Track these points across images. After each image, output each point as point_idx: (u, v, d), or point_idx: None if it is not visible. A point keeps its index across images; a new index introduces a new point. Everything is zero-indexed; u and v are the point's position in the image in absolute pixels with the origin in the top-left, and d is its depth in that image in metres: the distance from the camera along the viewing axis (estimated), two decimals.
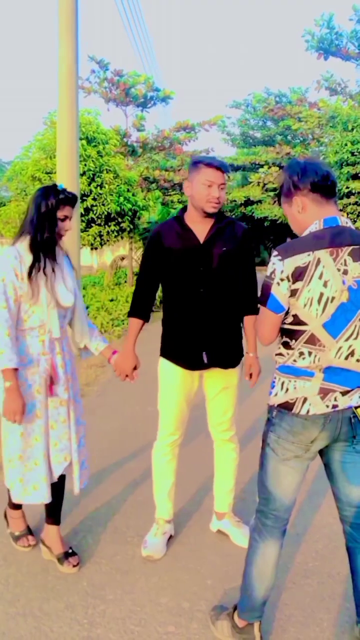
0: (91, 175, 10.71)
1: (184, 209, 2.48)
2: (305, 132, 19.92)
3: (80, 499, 3.01)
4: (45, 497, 2.32)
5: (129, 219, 11.83)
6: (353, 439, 1.77)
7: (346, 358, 1.71)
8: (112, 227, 11.58)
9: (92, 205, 10.86)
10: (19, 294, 2.21)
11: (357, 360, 1.73)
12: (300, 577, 2.39)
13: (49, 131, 11.14)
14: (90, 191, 10.71)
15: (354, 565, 1.90)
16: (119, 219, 11.60)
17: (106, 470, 3.48)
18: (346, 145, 12.98)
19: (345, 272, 1.65)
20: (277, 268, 1.67)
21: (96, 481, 3.29)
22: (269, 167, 20.46)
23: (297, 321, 1.70)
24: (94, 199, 10.83)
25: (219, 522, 2.72)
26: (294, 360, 1.74)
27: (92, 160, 10.64)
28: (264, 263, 29.08)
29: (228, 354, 2.48)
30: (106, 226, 11.52)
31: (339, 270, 1.65)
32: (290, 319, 1.71)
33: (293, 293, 1.66)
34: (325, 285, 1.64)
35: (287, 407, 1.76)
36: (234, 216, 27.27)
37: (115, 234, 11.81)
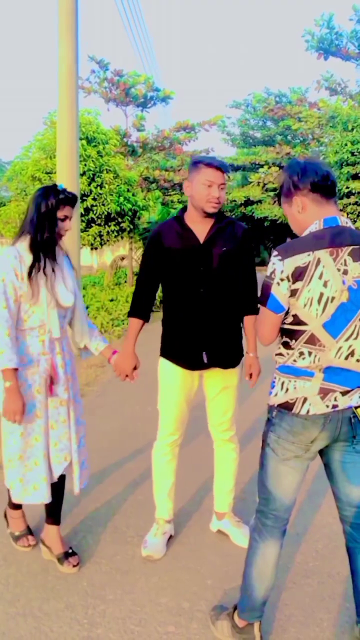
0: (91, 175, 10.71)
1: (184, 209, 2.48)
2: (305, 132, 19.92)
3: (80, 499, 3.01)
4: (45, 497, 2.32)
5: (129, 219, 11.83)
6: (353, 439, 1.77)
7: (346, 358, 1.71)
8: (112, 227, 11.58)
9: (92, 205, 10.86)
10: (19, 294, 2.21)
11: (357, 360, 1.73)
12: (300, 577, 2.39)
13: (49, 131, 11.14)
14: (90, 191, 10.71)
15: (354, 565, 1.90)
16: (119, 219, 11.61)
17: (106, 470, 3.48)
18: (346, 145, 12.98)
19: (345, 272, 1.65)
20: (277, 268, 1.67)
21: (96, 481, 3.29)
22: (269, 167, 20.46)
23: (297, 321, 1.70)
24: (94, 199, 10.83)
25: (219, 522, 2.72)
26: (294, 360, 1.74)
27: (92, 160, 10.64)
28: (264, 263, 29.09)
29: (228, 354, 2.48)
30: (106, 226, 11.52)
31: (339, 270, 1.65)
32: (290, 319, 1.71)
33: (293, 293, 1.66)
34: (325, 285, 1.64)
35: (287, 407, 1.76)
36: (234, 216, 27.27)
37: (115, 234, 11.82)
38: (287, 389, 1.76)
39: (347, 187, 13.16)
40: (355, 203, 13.48)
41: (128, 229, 11.95)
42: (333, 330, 1.68)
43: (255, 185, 22.34)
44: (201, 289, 2.38)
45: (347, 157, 13.01)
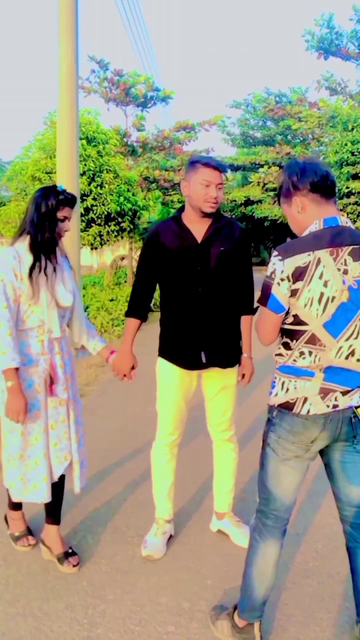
0: (91, 175, 10.71)
1: (182, 209, 2.47)
2: (305, 132, 19.90)
3: (80, 499, 3.01)
4: (45, 497, 2.32)
5: (129, 218, 11.82)
6: (353, 438, 1.77)
7: (346, 358, 1.71)
8: (112, 227, 11.58)
9: (92, 205, 10.86)
10: (18, 293, 2.22)
11: (358, 360, 1.73)
12: (300, 577, 2.39)
13: (49, 131, 11.14)
14: (90, 191, 10.71)
15: (354, 565, 1.90)
16: (119, 219, 11.60)
17: (106, 470, 3.48)
18: (346, 145, 12.97)
19: (345, 272, 1.65)
20: (277, 268, 1.67)
21: (96, 481, 3.30)
22: (269, 167, 20.45)
23: (297, 321, 1.69)
24: (94, 199, 10.83)
25: (219, 522, 2.72)
26: (294, 360, 1.74)
27: (92, 160, 10.64)
28: (264, 263, 29.10)
29: (226, 354, 2.48)
30: (106, 226, 11.51)
31: (339, 270, 1.65)
32: (290, 319, 1.71)
33: (293, 293, 1.66)
34: (325, 285, 1.64)
35: (287, 407, 1.76)
36: (233, 216, 27.29)
37: (115, 233, 11.81)
38: (287, 389, 1.76)
39: (347, 187, 13.15)
40: (355, 203, 13.48)
41: (128, 228, 11.95)
42: (333, 330, 1.68)
43: (255, 185, 22.33)
44: (199, 289, 2.38)
45: (347, 157, 13.01)
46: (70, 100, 6.64)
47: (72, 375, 2.45)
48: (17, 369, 2.17)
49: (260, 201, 23.07)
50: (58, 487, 2.41)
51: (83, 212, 10.49)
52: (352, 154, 12.93)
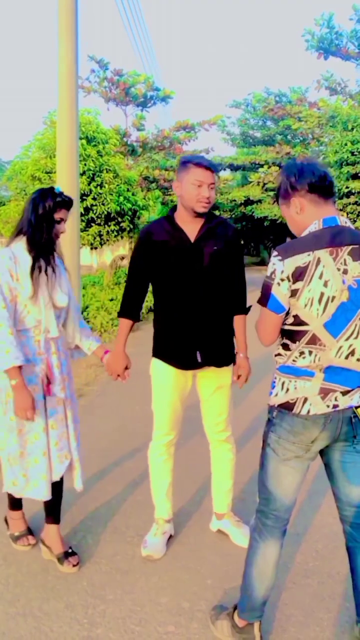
0: (91, 175, 10.71)
1: (174, 209, 2.47)
2: (305, 132, 19.90)
3: (79, 499, 3.01)
4: (45, 495, 2.33)
5: (129, 218, 11.82)
6: (353, 438, 1.77)
7: (346, 357, 1.71)
8: (112, 227, 11.58)
9: (91, 205, 10.86)
10: (14, 294, 2.23)
11: (358, 360, 1.73)
12: (300, 577, 2.39)
13: (48, 131, 11.14)
14: (90, 191, 10.71)
15: (354, 565, 1.90)
16: (119, 219, 11.60)
17: (106, 470, 3.48)
18: (346, 145, 12.96)
19: (345, 272, 1.65)
20: (277, 268, 1.67)
21: (96, 481, 3.30)
22: (269, 167, 20.45)
23: (298, 322, 1.69)
24: (94, 199, 10.83)
25: (219, 522, 2.72)
26: (294, 360, 1.74)
27: (92, 160, 10.64)
28: (264, 263, 29.11)
29: (222, 353, 2.48)
30: (106, 226, 11.51)
31: (339, 269, 1.65)
32: (291, 320, 1.71)
33: (293, 293, 1.66)
34: (325, 284, 1.64)
35: (287, 407, 1.76)
36: (233, 216, 27.28)
37: (115, 233, 11.81)
38: (287, 389, 1.76)
39: (347, 187, 13.15)
40: (355, 203, 13.47)
41: (128, 228, 11.94)
42: (333, 330, 1.68)
43: (255, 185, 22.33)
44: (193, 288, 2.37)
45: (347, 157, 13.00)
46: (70, 100, 6.64)
47: (68, 374, 2.46)
48: (20, 367, 2.18)
49: (260, 201, 23.08)
50: (57, 486, 2.42)
51: (83, 212, 10.49)
52: (352, 153, 12.93)
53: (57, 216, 2.30)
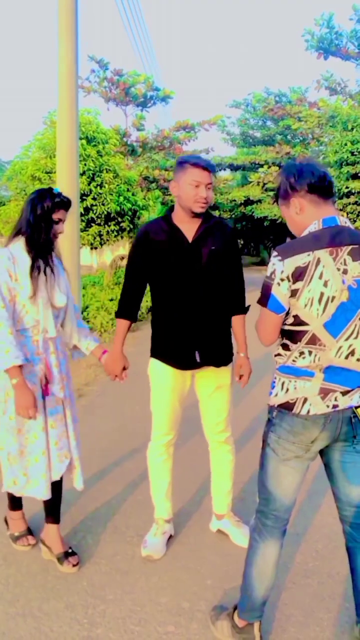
0: (91, 175, 10.71)
1: (171, 209, 2.46)
2: (305, 132, 19.90)
3: (79, 499, 3.01)
4: (45, 494, 2.33)
5: (129, 218, 11.82)
6: (353, 438, 1.77)
7: (346, 357, 1.71)
8: (112, 227, 11.58)
9: (91, 205, 10.86)
10: (13, 294, 2.23)
11: (358, 360, 1.73)
12: (300, 577, 2.39)
13: (48, 131, 11.14)
14: (90, 191, 10.71)
15: (354, 565, 1.90)
16: (119, 219, 11.60)
17: (106, 470, 3.48)
18: (346, 144, 12.97)
19: (345, 272, 1.65)
20: (277, 268, 1.67)
21: (96, 481, 3.30)
22: (269, 167, 20.46)
23: (298, 322, 1.69)
24: (94, 199, 10.83)
25: (219, 522, 2.72)
26: (294, 360, 1.74)
27: (92, 160, 10.64)
28: (264, 263, 29.10)
29: (220, 352, 2.48)
30: (106, 226, 11.51)
31: (338, 269, 1.65)
32: (291, 320, 1.71)
33: (293, 293, 1.66)
34: (325, 285, 1.64)
35: (287, 407, 1.76)
36: (233, 216, 27.28)
37: (115, 233, 11.81)
38: (287, 389, 1.76)
39: (347, 187, 13.15)
40: (355, 203, 13.48)
41: (128, 228, 11.94)
42: (333, 330, 1.68)
43: (255, 185, 22.34)
44: (191, 288, 2.37)
45: (347, 157, 13.01)
46: (70, 100, 6.64)
47: (67, 374, 2.47)
48: (21, 367, 2.18)
49: (259, 201, 23.08)
50: (57, 486, 2.42)
51: (83, 212, 10.49)
52: (352, 153, 12.94)
53: (55, 217, 2.30)
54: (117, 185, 11.25)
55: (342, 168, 13.18)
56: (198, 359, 2.41)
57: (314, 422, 1.73)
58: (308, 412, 1.73)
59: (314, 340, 1.69)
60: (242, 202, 24.37)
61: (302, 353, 1.72)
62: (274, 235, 27.52)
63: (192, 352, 2.41)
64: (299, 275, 1.64)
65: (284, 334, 1.76)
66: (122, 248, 16.31)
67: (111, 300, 10.71)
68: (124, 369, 2.56)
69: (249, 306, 2.53)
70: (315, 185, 1.73)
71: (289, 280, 1.65)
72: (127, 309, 2.52)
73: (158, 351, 2.50)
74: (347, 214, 13.37)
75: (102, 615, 2.14)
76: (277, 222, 22.31)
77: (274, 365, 1.84)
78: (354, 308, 1.67)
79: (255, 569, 1.89)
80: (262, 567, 1.88)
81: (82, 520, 2.85)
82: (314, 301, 1.65)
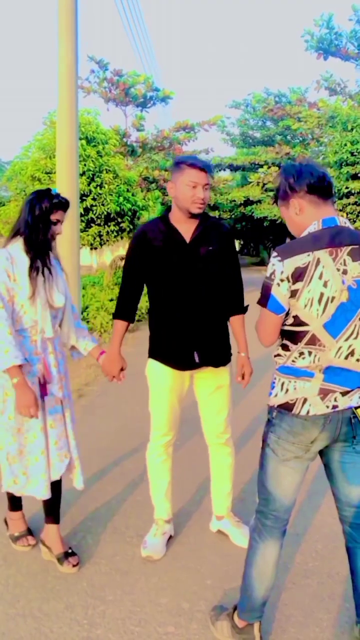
0: (91, 175, 10.72)
1: (169, 209, 2.46)
2: (304, 132, 19.91)
3: (79, 499, 3.01)
4: (44, 494, 2.33)
5: (129, 219, 11.83)
6: (353, 439, 1.78)
7: (346, 358, 1.71)
8: (112, 227, 11.59)
9: (91, 205, 10.87)
10: (12, 294, 2.23)
11: (357, 360, 1.73)
12: (300, 577, 2.39)
13: (48, 131, 11.16)
14: (90, 191, 10.72)
15: (353, 565, 1.90)
16: (119, 219, 11.61)
17: (106, 470, 3.48)
18: (346, 145, 12.98)
19: (344, 272, 1.65)
20: (277, 269, 1.67)
21: (96, 481, 3.30)
22: (269, 167, 20.45)
23: (297, 322, 1.70)
24: (94, 199, 10.84)
25: (219, 522, 2.72)
26: (293, 361, 1.74)
27: (92, 160, 10.64)
28: (264, 263, 29.11)
29: (219, 352, 2.48)
30: (106, 226, 11.52)
31: (338, 270, 1.65)
32: (290, 321, 1.71)
33: (293, 294, 1.66)
34: (325, 285, 1.64)
35: (287, 407, 1.76)
36: (233, 216, 27.28)
37: (115, 234, 11.82)
38: (287, 390, 1.76)
39: (347, 187, 13.16)
40: (355, 203, 13.48)
41: (128, 229, 11.95)
42: (333, 331, 1.68)
43: (255, 185, 22.32)
44: (189, 289, 2.37)
45: (347, 157, 13.02)
46: (70, 100, 6.65)
47: (65, 374, 2.47)
48: (20, 366, 2.18)
49: (259, 201, 23.08)
50: (57, 485, 2.42)
51: (83, 212, 10.49)
52: (352, 154, 12.94)
53: (53, 217, 2.31)
54: (117, 185, 11.26)
55: (342, 168, 13.19)
56: (197, 360, 2.41)
57: (314, 422, 1.73)
58: (308, 412, 1.73)
59: (313, 340, 1.69)
60: (242, 202, 24.36)
61: (301, 353, 1.72)
62: (274, 236, 27.52)
63: (191, 352, 2.41)
64: (298, 275, 1.64)
65: (284, 334, 1.76)
66: (122, 248, 16.31)
67: (111, 300, 10.70)
68: (122, 369, 2.56)
69: (247, 306, 2.53)
70: (315, 186, 1.74)
71: (288, 281, 1.66)
72: (124, 310, 2.52)
73: (156, 352, 2.50)
74: (347, 214, 13.38)
75: (102, 615, 2.14)
76: (277, 222, 22.31)
77: (273, 366, 1.84)
78: (354, 308, 1.67)
79: (255, 569, 1.89)
80: (262, 568, 1.88)
81: (82, 521, 2.85)
82: (314, 301, 1.65)
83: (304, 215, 1.76)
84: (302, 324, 1.69)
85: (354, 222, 13.34)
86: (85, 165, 10.35)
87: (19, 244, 2.29)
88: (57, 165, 6.90)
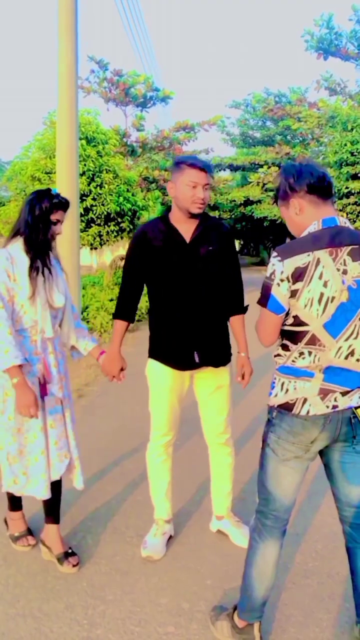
0: (91, 175, 10.72)
1: (169, 209, 2.46)
2: (304, 132, 19.92)
3: (79, 499, 3.01)
4: (44, 494, 2.33)
5: (129, 219, 11.83)
6: (353, 439, 1.78)
7: (346, 358, 1.71)
8: (112, 227, 11.59)
9: (91, 205, 10.87)
10: (12, 294, 2.23)
11: (357, 360, 1.73)
12: (300, 577, 2.39)
13: (48, 131, 11.16)
14: (90, 191, 10.72)
15: (353, 565, 1.90)
16: (119, 219, 11.61)
17: (106, 470, 3.48)
18: (346, 145, 12.98)
19: (344, 272, 1.65)
20: (277, 269, 1.67)
21: (96, 481, 3.30)
22: (269, 167, 20.46)
23: (297, 322, 1.70)
24: (94, 199, 10.84)
25: (219, 522, 2.72)
26: (293, 361, 1.74)
27: (92, 160, 10.65)
28: (264, 263, 29.11)
29: (219, 352, 2.48)
30: (106, 226, 11.52)
31: (338, 270, 1.65)
32: (290, 320, 1.71)
33: (293, 294, 1.66)
34: (325, 285, 1.64)
35: (287, 407, 1.76)
36: (233, 216, 27.28)
37: (115, 234, 11.82)
38: (287, 390, 1.76)
39: (347, 187, 13.16)
40: (355, 203, 13.49)
41: (128, 229, 11.95)
42: (333, 331, 1.68)
43: (255, 185, 22.33)
44: (189, 289, 2.37)
45: (347, 157, 13.02)
46: (70, 100, 6.65)
47: (65, 374, 2.47)
48: (20, 366, 2.18)
49: (259, 201, 23.09)
50: (57, 485, 2.42)
51: (83, 212, 10.50)
52: (352, 154, 12.95)
53: (53, 217, 2.31)
54: (117, 185, 11.26)
55: (342, 168, 13.19)
56: (197, 360, 2.41)
57: (314, 422, 1.73)
58: (308, 412, 1.73)
59: (313, 340, 1.69)
60: (242, 202, 24.38)
61: (301, 353, 1.72)
62: (274, 236, 27.53)
63: (191, 352, 2.41)
64: (298, 275, 1.64)
65: (284, 334, 1.76)
66: (122, 248, 16.31)
67: (111, 300, 10.71)
68: (122, 369, 2.56)
69: (247, 306, 2.54)
70: (315, 186, 1.74)
71: (288, 281, 1.66)
72: (124, 310, 2.52)
73: (156, 352, 2.50)
74: (347, 214, 13.38)
75: (102, 615, 2.14)
76: (277, 222, 22.32)
77: (273, 366, 1.84)
78: (354, 308, 1.67)
79: (255, 569, 1.89)
80: (262, 568, 1.88)
81: (82, 521, 2.85)
82: (314, 301, 1.65)
83: (304, 215, 1.76)
84: (302, 324, 1.69)
85: (354, 222, 13.34)
86: (85, 165, 10.35)
87: (19, 244, 2.29)
88: (57, 165, 6.90)
